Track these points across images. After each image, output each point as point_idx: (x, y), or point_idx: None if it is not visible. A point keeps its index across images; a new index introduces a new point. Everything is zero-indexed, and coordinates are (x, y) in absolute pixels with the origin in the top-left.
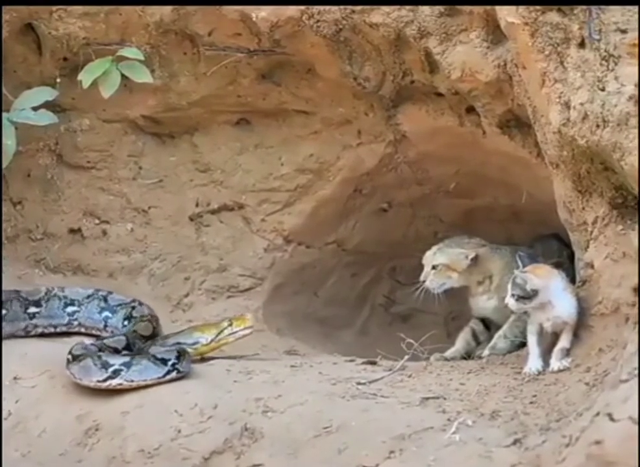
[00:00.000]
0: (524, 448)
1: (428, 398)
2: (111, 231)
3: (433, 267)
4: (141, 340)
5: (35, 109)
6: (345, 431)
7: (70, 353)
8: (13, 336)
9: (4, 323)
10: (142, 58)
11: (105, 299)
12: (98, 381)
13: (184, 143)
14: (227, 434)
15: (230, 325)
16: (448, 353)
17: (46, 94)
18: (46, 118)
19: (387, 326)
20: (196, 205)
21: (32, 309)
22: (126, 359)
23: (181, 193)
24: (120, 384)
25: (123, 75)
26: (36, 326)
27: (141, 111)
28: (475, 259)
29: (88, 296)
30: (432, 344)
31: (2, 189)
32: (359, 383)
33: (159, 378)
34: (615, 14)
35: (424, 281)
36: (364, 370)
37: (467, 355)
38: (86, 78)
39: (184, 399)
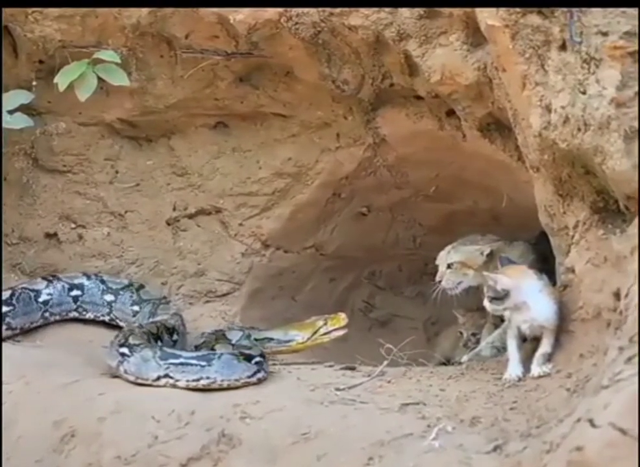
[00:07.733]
0: (505, 455)
1: (407, 404)
2: (88, 235)
3: (449, 266)
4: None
5: (11, 112)
6: (324, 437)
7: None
8: None
9: None
10: (119, 60)
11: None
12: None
13: (161, 146)
14: (204, 441)
15: (325, 324)
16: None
17: (22, 97)
18: (22, 121)
19: (366, 331)
20: (174, 209)
21: None
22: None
23: (158, 197)
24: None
25: (99, 78)
26: None
27: (118, 115)
28: (490, 255)
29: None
30: (411, 349)
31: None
32: (338, 389)
33: (248, 377)
34: (596, 17)
35: (439, 282)
36: (343, 375)
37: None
38: (62, 81)
39: (161, 405)
